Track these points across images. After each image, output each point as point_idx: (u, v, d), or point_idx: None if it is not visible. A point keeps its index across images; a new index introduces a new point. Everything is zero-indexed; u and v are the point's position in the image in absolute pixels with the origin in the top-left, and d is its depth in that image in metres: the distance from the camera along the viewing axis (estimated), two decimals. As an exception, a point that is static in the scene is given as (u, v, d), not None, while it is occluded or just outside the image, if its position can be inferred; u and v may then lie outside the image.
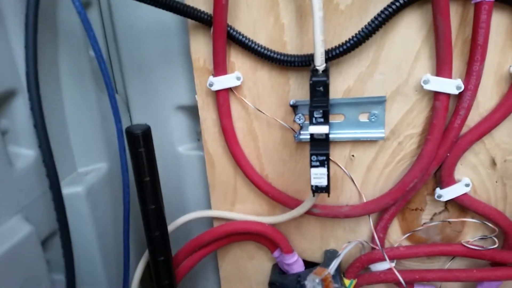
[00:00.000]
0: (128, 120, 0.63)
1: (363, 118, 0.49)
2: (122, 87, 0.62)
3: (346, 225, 0.56)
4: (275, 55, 0.47)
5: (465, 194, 0.49)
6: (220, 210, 0.59)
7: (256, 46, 0.47)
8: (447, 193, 0.49)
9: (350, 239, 0.56)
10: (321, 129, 0.40)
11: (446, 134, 0.46)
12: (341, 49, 0.44)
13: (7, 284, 0.42)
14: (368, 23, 0.43)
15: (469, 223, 0.52)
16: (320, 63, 0.42)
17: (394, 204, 0.52)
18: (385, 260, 0.52)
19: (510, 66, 0.44)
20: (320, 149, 0.41)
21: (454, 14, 0.43)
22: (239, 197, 0.58)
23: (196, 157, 0.62)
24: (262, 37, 0.48)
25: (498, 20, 0.42)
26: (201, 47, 0.50)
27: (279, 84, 0.50)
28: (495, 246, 0.51)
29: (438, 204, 0.52)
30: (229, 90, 0.51)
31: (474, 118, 0.46)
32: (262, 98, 0.51)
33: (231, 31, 0.47)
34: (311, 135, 0.41)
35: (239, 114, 0.53)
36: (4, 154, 0.43)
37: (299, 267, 0.58)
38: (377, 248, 0.53)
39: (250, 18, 0.47)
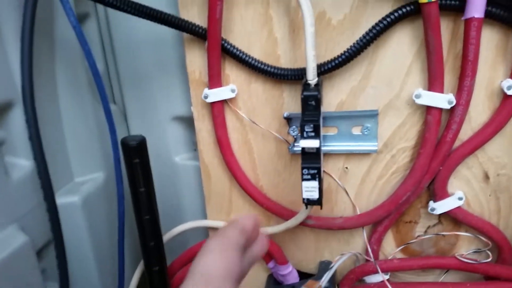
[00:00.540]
0: (125, 129, 0.63)
1: (356, 131, 0.49)
2: (119, 97, 0.62)
3: (340, 236, 0.56)
4: (269, 69, 0.48)
5: (458, 207, 0.49)
6: (216, 220, 0.59)
7: (250, 60, 0.48)
8: (441, 206, 0.49)
9: (344, 251, 0.56)
10: (312, 143, 0.41)
11: (438, 148, 0.46)
12: (333, 63, 0.44)
13: (1, 293, 0.42)
14: (360, 38, 0.43)
15: (463, 236, 0.52)
16: (312, 78, 0.43)
17: (388, 217, 0.52)
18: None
19: (501, 81, 0.44)
20: (311, 162, 0.42)
21: (445, 29, 0.43)
22: (234, 207, 0.58)
23: (192, 167, 0.62)
24: (256, 51, 0.48)
25: (488, 36, 0.42)
26: (196, 60, 0.51)
27: (273, 96, 0.50)
28: (489, 259, 0.50)
29: (432, 217, 0.52)
30: (224, 102, 0.52)
31: (466, 132, 0.47)
32: (257, 110, 0.52)
33: (226, 44, 0.48)
34: (303, 148, 0.41)
35: (234, 126, 0.53)
36: (1, 164, 0.44)
37: (293, 278, 0.58)
38: (371, 260, 0.53)
39: (244, 32, 0.48)
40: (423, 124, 0.47)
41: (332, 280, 0.53)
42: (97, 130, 0.55)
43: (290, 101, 0.50)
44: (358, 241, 0.55)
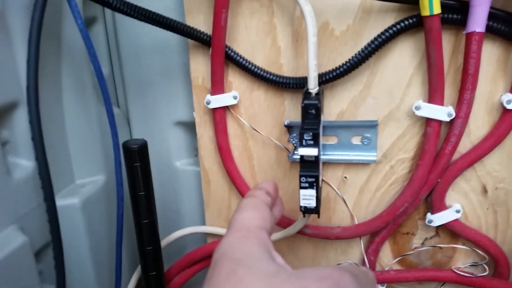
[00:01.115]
0: (128, 133, 0.64)
1: (356, 141, 0.50)
2: (123, 101, 0.63)
3: (338, 246, 0.56)
4: (271, 77, 0.48)
5: (456, 220, 0.49)
6: (214, 227, 0.60)
7: (252, 67, 0.49)
8: (438, 219, 0.50)
9: (341, 261, 0.56)
10: (311, 151, 0.41)
11: (437, 160, 0.47)
12: (334, 73, 0.45)
13: (-2, 293, 0.42)
14: (362, 49, 0.44)
15: (460, 249, 0.52)
16: (313, 87, 0.43)
17: (385, 228, 0.52)
18: (375, 283, 0.52)
19: (501, 95, 0.44)
20: (309, 170, 0.42)
21: (447, 43, 0.43)
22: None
23: (193, 173, 0.63)
24: (259, 59, 0.49)
25: (489, 50, 0.43)
26: (200, 66, 0.51)
27: (274, 104, 0.51)
28: (486, 273, 0.51)
29: (429, 229, 0.52)
30: (226, 108, 0.52)
31: (465, 145, 0.47)
32: (258, 118, 0.52)
33: (229, 51, 0.48)
34: (301, 156, 0.42)
35: (235, 132, 0.54)
36: (3, 164, 0.44)
37: None
38: (367, 270, 0.53)
39: (248, 40, 0.49)
40: (422, 135, 0.47)
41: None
42: (100, 133, 0.56)
43: (291, 109, 0.50)
44: (356, 251, 0.55)
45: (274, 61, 0.49)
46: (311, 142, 0.41)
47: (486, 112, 0.45)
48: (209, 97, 0.51)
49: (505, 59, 0.43)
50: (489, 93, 0.45)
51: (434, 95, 0.44)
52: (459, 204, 0.49)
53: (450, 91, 0.45)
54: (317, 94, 0.43)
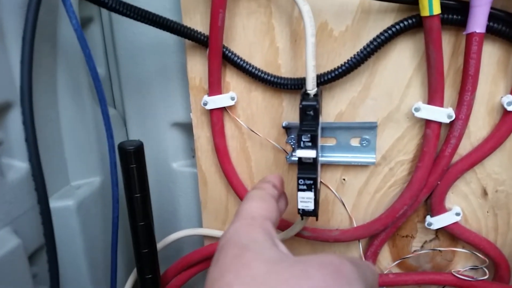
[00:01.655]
0: (124, 134, 0.63)
1: (355, 142, 0.49)
2: (120, 101, 0.62)
3: (336, 249, 0.56)
4: (269, 77, 0.48)
5: (455, 223, 0.49)
6: (211, 229, 0.59)
7: (250, 68, 0.48)
8: (438, 222, 0.49)
9: (340, 263, 0.55)
10: (309, 153, 0.40)
11: (436, 162, 0.46)
12: (333, 74, 0.44)
13: (-9, 296, 0.42)
14: (361, 50, 0.43)
15: (460, 253, 0.51)
16: (311, 88, 0.42)
17: (384, 230, 0.51)
18: (373, 286, 0.52)
19: (502, 97, 0.44)
20: (307, 173, 0.41)
21: (447, 44, 0.43)
22: (230, 215, 0.58)
23: (190, 174, 0.62)
24: (257, 59, 0.48)
25: (489, 51, 0.42)
26: (197, 67, 0.51)
27: (272, 105, 0.50)
28: (486, 277, 0.50)
29: (428, 232, 0.51)
30: (223, 109, 0.52)
31: (465, 147, 0.46)
32: (256, 119, 0.51)
33: (227, 52, 0.48)
34: (299, 158, 0.41)
35: (232, 133, 0.53)
36: (-3, 165, 0.44)
37: (288, 290, 0.57)
38: (366, 274, 0.53)
39: (246, 41, 0.48)
40: (422, 137, 0.47)
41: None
42: (96, 134, 0.55)
43: (289, 110, 0.50)
44: (355, 253, 0.55)
45: (272, 61, 0.48)
46: (309, 144, 0.41)
47: (487, 114, 0.45)
48: (206, 98, 0.50)
49: (506, 60, 0.42)
50: (489, 94, 0.44)
51: (433, 96, 0.43)
52: (459, 207, 0.49)
53: (450, 92, 0.44)
54: (315, 95, 0.43)
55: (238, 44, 0.48)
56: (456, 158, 0.46)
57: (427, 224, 0.50)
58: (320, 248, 0.56)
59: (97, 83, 0.43)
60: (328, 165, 0.51)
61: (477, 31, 0.39)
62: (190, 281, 0.59)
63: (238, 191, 0.54)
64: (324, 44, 0.46)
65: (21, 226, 0.47)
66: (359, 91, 0.47)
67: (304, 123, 0.42)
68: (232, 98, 0.50)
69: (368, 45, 0.43)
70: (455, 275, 0.51)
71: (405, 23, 0.42)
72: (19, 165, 0.47)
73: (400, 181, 0.50)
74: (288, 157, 0.51)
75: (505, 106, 0.43)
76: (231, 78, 0.50)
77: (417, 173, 0.47)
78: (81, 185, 0.56)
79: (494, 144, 0.45)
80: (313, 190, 0.42)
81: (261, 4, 0.46)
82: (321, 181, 0.51)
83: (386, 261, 0.54)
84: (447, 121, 0.43)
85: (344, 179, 0.51)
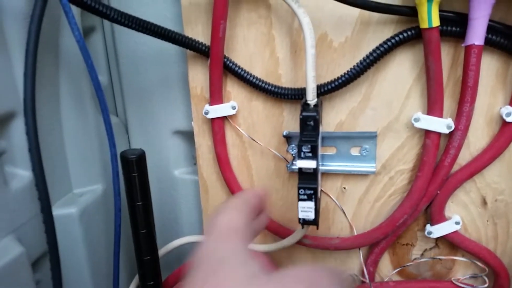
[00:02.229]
0: (126, 142, 0.64)
1: (355, 151, 0.49)
2: (122, 110, 0.63)
3: (337, 256, 0.56)
4: (269, 87, 0.48)
5: (455, 231, 0.49)
6: (212, 236, 0.59)
7: (251, 78, 0.48)
8: (437, 230, 0.49)
9: (340, 271, 0.56)
10: (309, 164, 0.41)
11: (436, 171, 0.46)
12: (333, 85, 0.45)
13: (-6, 304, 0.42)
14: (360, 61, 0.44)
15: (459, 261, 0.52)
16: (311, 98, 0.43)
17: (385, 239, 0.51)
18: (374, 294, 0.52)
19: (500, 107, 0.44)
20: (308, 182, 0.42)
21: (446, 55, 0.43)
22: (231, 223, 0.58)
23: (191, 182, 0.62)
24: (258, 69, 0.49)
25: (488, 63, 0.43)
26: (199, 76, 0.51)
27: (273, 114, 0.51)
28: (485, 285, 0.50)
29: (428, 240, 0.52)
30: (225, 118, 0.52)
31: (465, 157, 0.47)
32: (257, 127, 0.52)
33: (228, 62, 0.48)
34: (300, 168, 0.41)
35: (233, 142, 0.54)
36: (0, 174, 0.44)
37: (288, 297, 0.57)
38: (366, 282, 0.53)
39: (246, 51, 0.48)
40: (421, 147, 0.47)
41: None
42: (98, 142, 0.56)
43: (290, 119, 0.50)
44: (355, 261, 0.55)
45: (272, 71, 0.49)
46: (310, 154, 0.41)
47: (486, 124, 0.45)
48: (207, 107, 0.51)
49: (505, 71, 0.43)
50: (488, 105, 0.44)
51: (433, 107, 0.44)
52: (458, 216, 0.49)
53: (449, 103, 0.45)
54: (315, 105, 0.43)
55: (239, 54, 0.49)
56: (455, 167, 0.47)
57: (427, 233, 0.50)
58: (321, 256, 0.56)
59: (99, 93, 0.44)
60: (328, 173, 0.51)
61: (476, 43, 0.39)
62: None
63: (239, 199, 0.54)
64: (323, 55, 0.46)
65: (25, 234, 0.47)
66: (359, 101, 0.47)
67: (305, 133, 0.42)
68: (233, 107, 0.51)
69: (368, 56, 0.43)
70: (455, 283, 0.51)
71: (405, 34, 0.42)
72: (23, 174, 0.48)
73: (400, 190, 0.50)
74: (288, 165, 0.52)
75: (504, 117, 0.43)
76: (232, 87, 0.51)
77: (417, 183, 0.47)
78: (83, 192, 0.56)
79: (493, 154, 0.45)
80: (313, 199, 0.42)
81: (262, 15, 0.46)
82: (321, 190, 0.52)
83: (386, 269, 0.55)
84: (447, 131, 0.44)
85: (344, 188, 0.52)
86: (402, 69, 0.45)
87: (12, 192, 0.46)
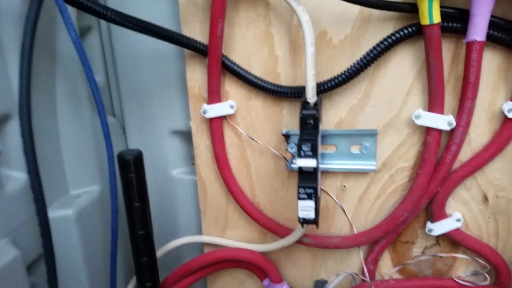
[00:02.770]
0: (123, 142, 0.63)
1: (355, 149, 0.49)
2: (119, 110, 0.62)
3: (337, 255, 0.56)
4: (268, 86, 0.47)
5: (456, 229, 0.49)
6: (211, 236, 0.59)
7: (250, 76, 0.48)
8: (438, 228, 0.49)
9: (341, 270, 0.55)
10: (309, 163, 0.40)
11: (437, 169, 0.46)
12: (332, 83, 0.44)
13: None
14: (361, 58, 0.43)
15: (460, 258, 0.51)
16: (311, 96, 0.42)
17: (385, 237, 0.51)
18: (375, 293, 0.52)
19: (502, 103, 0.44)
20: (308, 181, 0.41)
21: (447, 51, 0.43)
22: (230, 223, 0.57)
23: (190, 181, 0.62)
24: (256, 68, 0.48)
25: (490, 59, 0.42)
26: (196, 75, 0.51)
27: (272, 113, 0.50)
28: (487, 282, 0.50)
29: (429, 237, 0.51)
30: (223, 117, 0.51)
31: (466, 153, 0.46)
32: (256, 126, 0.51)
33: (226, 61, 0.48)
34: (299, 167, 0.41)
35: (232, 141, 0.53)
36: (-4, 176, 0.44)
37: (288, 297, 0.57)
38: (366, 280, 0.53)
39: (245, 49, 0.48)
40: (422, 144, 0.47)
41: (328, 299, 0.52)
42: (95, 143, 0.55)
43: (289, 118, 0.50)
44: (355, 260, 0.55)
45: (271, 70, 0.48)
46: (310, 153, 0.41)
47: (487, 121, 0.45)
48: (205, 106, 0.50)
49: (506, 67, 0.42)
50: (490, 101, 0.44)
51: (434, 103, 0.43)
52: (459, 213, 0.49)
53: (450, 99, 0.44)
54: (315, 104, 0.43)
55: (237, 53, 0.48)
56: (456, 164, 0.47)
57: (428, 230, 0.50)
58: (321, 255, 0.56)
59: (96, 93, 0.43)
60: (328, 172, 0.51)
61: (477, 39, 0.39)
62: (191, 288, 0.59)
63: (238, 198, 0.54)
64: (323, 52, 0.46)
65: (20, 236, 0.46)
66: (359, 98, 0.47)
67: (304, 132, 0.42)
68: (232, 107, 0.50)
69: (368, 54, 0.43)
70: (456, 281, 0.51)
71: (405, 31, 0.42)
72: (18, 176, 0.47)
73: (400, 188, 0.49)
74: (288, 164, 0.51)
75: (506, 113, 0.43)
76: (230, 86, 0.50)
77: (417, 180, 0.47)
78: (80, 194, 0.55)
79: (494, 151, 0.45)
80: (313, 198, 0.41)
81: (260, 13, 0.46)
82: (321, 188, 0.51)
83: (387, 267, 0.54)
84: (448, 128, 0.43)
85: (344, 186, 0.51)
86: (403, 66, 0.44)
87: (7, 194, 0.45)
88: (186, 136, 0.59)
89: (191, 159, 0.63)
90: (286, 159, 0.51)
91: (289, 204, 0.54)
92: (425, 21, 0.39)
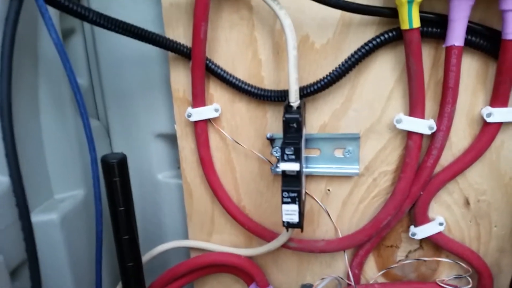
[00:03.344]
0: (108, 146, 0.62)
1: (339, 153, 0.49)
2: (103, 113, 0.62)
3: (322, 259, 0.56)
4: (252, 89, 0.48)
5: (439, 233, 0.49)
6: (197, 240, 0.59)
7: (233, 80, 0.48)
8: (421, 232, 0.49)
9: (326, 274, 0.55)
10: (292, 166, 0.40)
11: (419, 173, 0.46)
12: (315, 87, 0.45)
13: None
14: (342, 63, 0.44)
15: (444, 262, 0.52)
16: (294, 100, 0.43)
17: (369, 240, 0.51)
18: (359, 297, 0.52)
19: (482, 108, 0.44)
20: (291, 185, 0.41)
21: (427, 56, 0.43)
22: (216, 227, 0.57)
23: (175, 185, 0.61)
24: (240, 71, 0.49)
25: (469, 64, 0.43)
26: (181, 78, 0.51)
27: (256, 116, 0.50)
28: (469, 286, 0.50)
29: (413, 241, 0.52)
30: (208, 120, 0.51)
31: (447, 158, 0.47)
32: (240, 130, 0.51)
33: (210, 64, 0.48)
34: (283, 171, 0.41)
35: (217, 145, 0.53)
36: (-23, 180, 0.43)
37: (274, 301, 0.57)
38: (352, 284, 0.53)
39: (229, 53, 0.48)
40: (404, 148, 0.47)
41: (312, 303, 0.52)
42: (79, 146, 0.54)
43: (273, 122, 0.50)
44: (340, 264, 0.55)
45: (255, 73, 0.48)
46: (293, 156, 0.41)
47: (467, 125, 0.45)
48: (190, 109, 0.50)
49: (485, 72, 0.43)
50: (469, 106, 0.45)
51: (415, 108, 0.44)
52: (442, 217, 0.49)
53: (431, 104, 0.45)
54: (298, 107, 0.43)
55: (221, 56, 0.48)
56: (438, 168, 0.47)
57: (411, 234, 0.50)
58: (306, 259, 0.56)
59: (78, 96, 0.43)
60: (312, 176, 0.51)
61: (456, 44, 0.40)
62: (176, 293, 0.59)
63: (223, 202, 0.54)
64: (305, 56, 0.46)
65: (2, 241, 0.46)
66: (341, 103, 0.47)
67: (288, 136, 0.42)
68: (216, 110, 0.50)
69: (349, 58, 0.43)
70: (439, 285, 0.52)
71: (386, 36, 0.42)
72: (0, 180, 0.46)
73: (383, 191, 0.50)
74: (273, 168, 0.52)
75: (485, 117, 0.43)
76: (214, 90, 0.50)
77: (400, 184, 0.47)
78: (64, 198, 0.55)
79: (475, 155, 0.46)
80: (297, 202, 0.42)
81: (244, 16, 0.46)
82: (306, 192, 0.51)
83: (371, 271, 0.54)
84: (429, 132, 0.44)
85: (328, 190, 0.51)
86: (384, 70, 0.45)
87: (-11, 198, 0.44)
88: (171, 139, 0.59)
89: (176, 163, 0.62)
90: (271, 163, 0.52)
91: (274, 208, 0.54)
92: (405, 25, 0.39)
